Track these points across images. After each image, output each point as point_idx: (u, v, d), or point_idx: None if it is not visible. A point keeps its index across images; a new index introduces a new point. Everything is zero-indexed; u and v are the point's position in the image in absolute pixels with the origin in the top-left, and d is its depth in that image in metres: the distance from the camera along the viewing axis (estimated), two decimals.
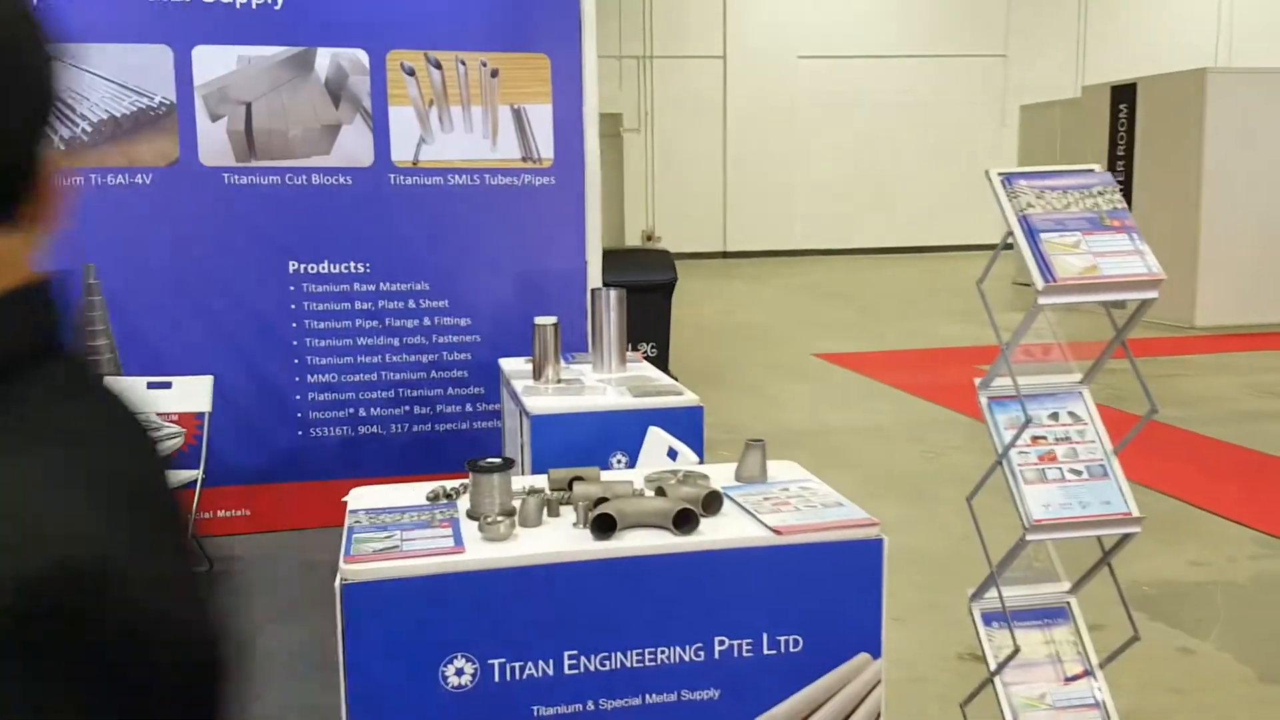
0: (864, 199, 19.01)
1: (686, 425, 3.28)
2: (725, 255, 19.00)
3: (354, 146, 4.63)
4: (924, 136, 18.63)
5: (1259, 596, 3.93)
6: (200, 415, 4.15)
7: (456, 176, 4.72)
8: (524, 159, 4.78)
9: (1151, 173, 10.94)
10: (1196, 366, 8.44)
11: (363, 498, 2.39)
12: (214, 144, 4.51)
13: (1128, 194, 11.14)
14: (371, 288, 4.69)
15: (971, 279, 2.42)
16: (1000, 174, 2.34)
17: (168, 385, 4.18)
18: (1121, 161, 11.27)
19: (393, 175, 4.67)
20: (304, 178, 4.59)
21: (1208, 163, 10.28)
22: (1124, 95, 11.30)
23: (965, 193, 16.18)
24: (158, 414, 3.76)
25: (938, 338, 9.71)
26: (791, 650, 2.15)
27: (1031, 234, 2.21)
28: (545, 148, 4.80)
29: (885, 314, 11.53)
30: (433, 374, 4.80)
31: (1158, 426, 6.40)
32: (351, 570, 1.97)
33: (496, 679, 2.04)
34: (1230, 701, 3.17)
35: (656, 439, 3.06)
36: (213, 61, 4.47)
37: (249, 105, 4.53)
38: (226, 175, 4.53)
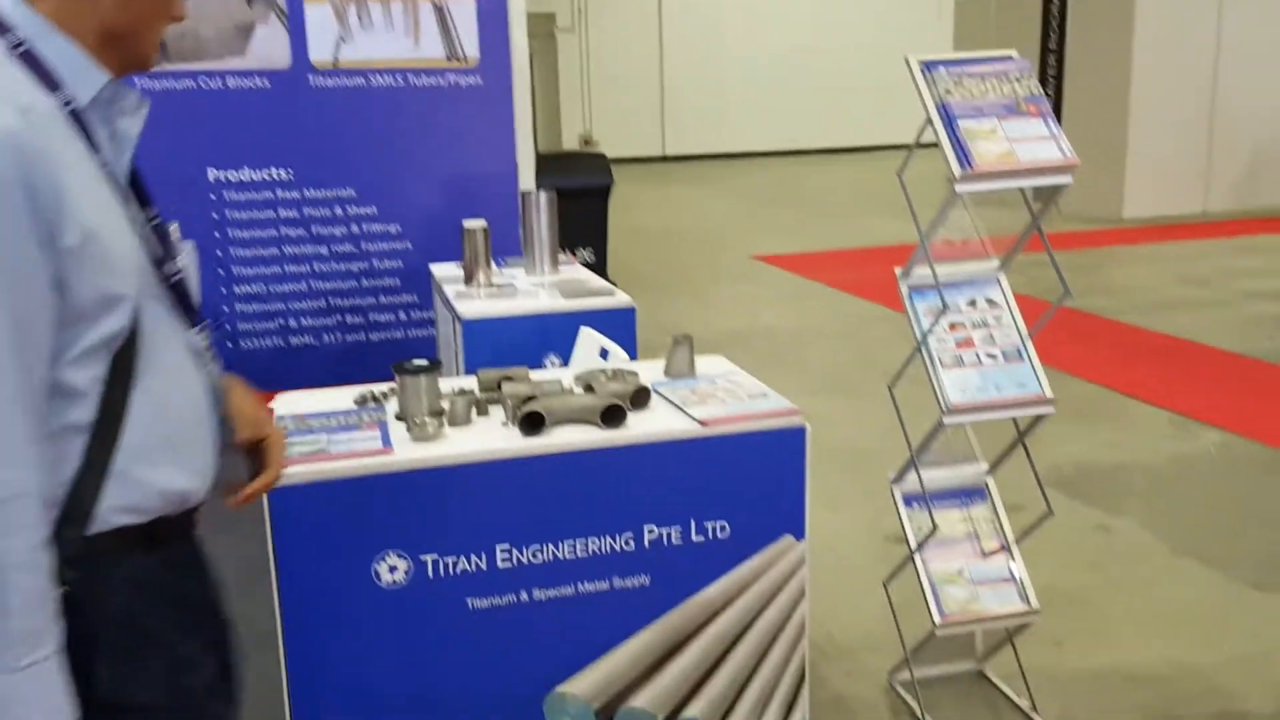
0: (804, 99, 18.86)
1: (619, 326, 3.29)
2: (665, 159, 18.83)
3: (270, 47, 4.47)
4: (861, 33, 18.45)
5: (1173, 476, 4.10)
6: None
7: (378, 77, 4.59)
8: (448, 58, 4.66)
9: (1082, 66, 10.98)
10: (1122, 257, 8.63)
11: (290, 403, 2.38)
12: None
13: (1059, 87, 11.19)
14: (295, 195, 4.58)
15: (913, 178, 2.44)
16: (921, 61, 2.34)
17: None
18: (1054, 54, 11.30)
19: (311, 77, 4.52)
20: (219, 81, 4.42)
21: (1137, 56, 10.34)
22: None
23: (905, 89, 16.09)
24: None
25: (876, 236, 9.78)
26: (718, 536, 2.21)
27: (949, 121, 2.22)
28: (470, 46, 4.67)
29: (825, 215, 11.57)
30: (363, 282, 4.73)
31: (1082, 316, 6.57)
32: None
33: (430, 574, 2.07)
34: (1143, 575, 3.32)
35: (588, 339, 3.07)
36: None
37: None
38: (138, 79, 4.35)
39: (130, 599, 1.18)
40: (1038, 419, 2.42)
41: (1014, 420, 2.50)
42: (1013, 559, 2.52)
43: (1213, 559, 3.39)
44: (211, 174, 4.49)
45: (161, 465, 1.23)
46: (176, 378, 1.27)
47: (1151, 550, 3.47)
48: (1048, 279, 2.56)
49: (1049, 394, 2.37)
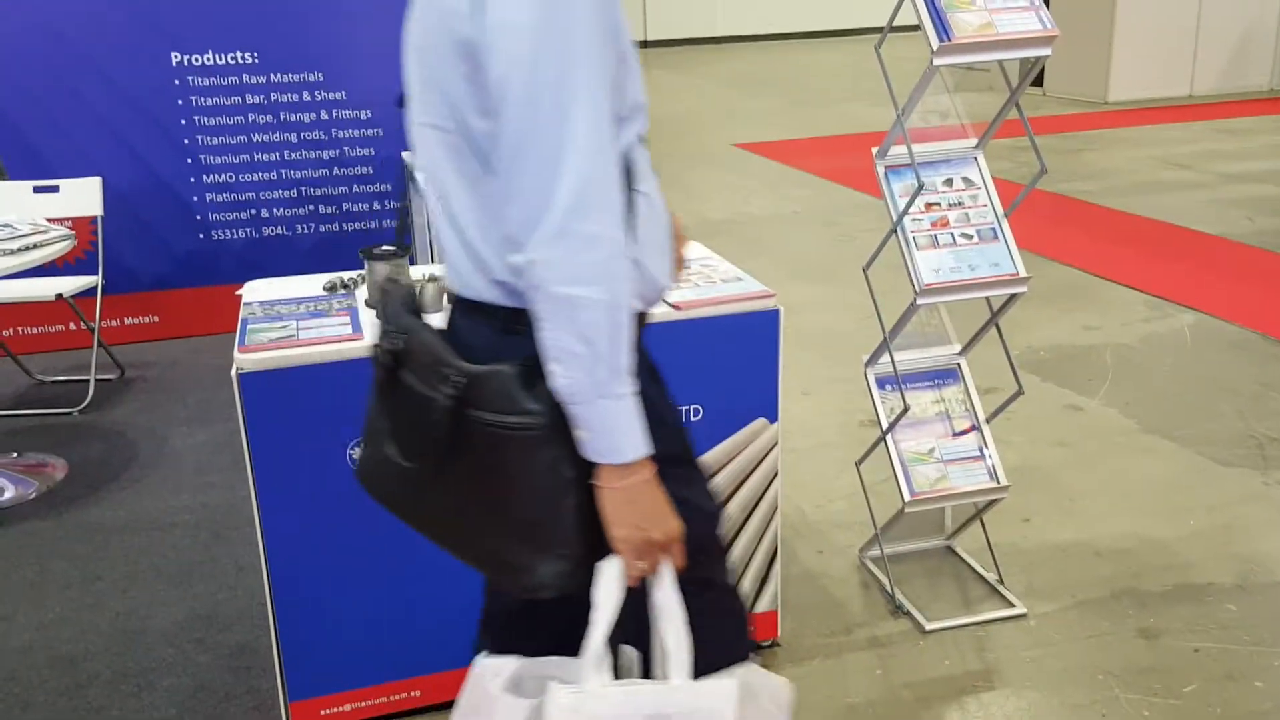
0: None
1: None
2: (645, 45, 18.38)
3: None
4: None
5: (1146, 356, 4.14)
6: (94, 220, 4.00)
7: None
8: None
9: None
10: (1106, 140, 8.54)
11: (258, 290, 2.35)
12: None
13: None
14: (262, 79, 4.46)
15: (897, 60, 2.38)
16: None
17: (55, 189, 4.00)
18: None
19: None
20: None
21: None
22: None
23: None
24: (47, 219, 3.60)
25: (860, 123, 9.63)
26: (692, 419, 2.22)
27: None
28: None
29: (809, 101, 11.37)
30: (335, 171, 4.65)
31: (1062, 199, 6.54)
32: (247, 360, 1.96)
33: None
34: (1112, 450, 3.38)
35: None
36: None
37: None
38: None
39: (640, 374, 1.29)
40: (1011, 299, 2.42)
41: (988, 301, 2.50)
42: (983, 438, 2.55)
43: (1181, 437, 3.44)
44: (175, 58, 4.37)
45: (656, 260, 1.35)
46: (653, 185, 1.37)
47: (1121, 428, 3.52)
48: (1032, 163, 2.53)
49: (1023, 273, 2.36)
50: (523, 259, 1.18)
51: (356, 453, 2.05)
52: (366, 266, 2.21)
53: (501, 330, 1.31)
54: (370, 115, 4.62)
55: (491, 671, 1.42)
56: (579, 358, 1.17)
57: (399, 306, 1.41)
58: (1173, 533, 2.89)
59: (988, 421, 2.57)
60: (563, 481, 1.24)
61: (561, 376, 1.19)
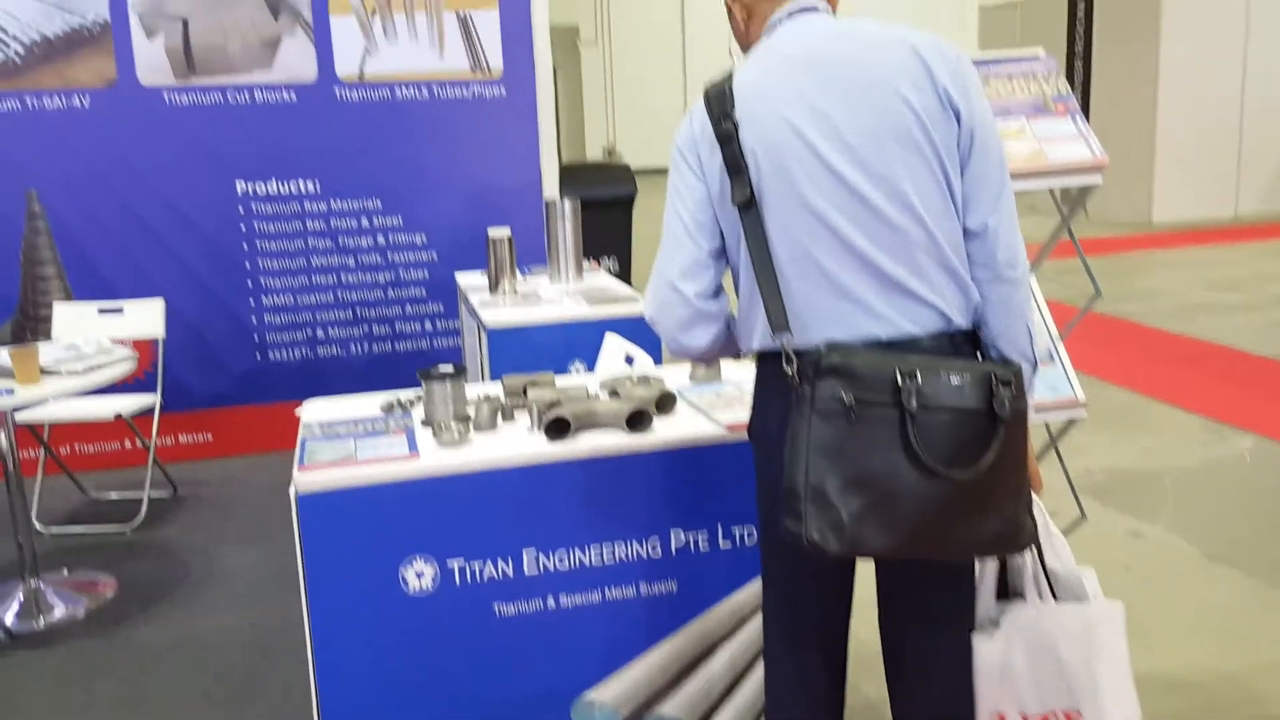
0: None
1: (644, 332, 3.27)
2: None
3: (296, 60, 4.52)
4: None
5: (1207, 480, 4.04)
6: (154, 340, 4.11)
7: (404, 89, 4.63)
8: (472, 69, 4.69)
9: (1109, 71, 10.90)
10: (1153, 262, 8.54)
11: (316, 410, 2.39)
12: (152, 62, 4.38)
13: (1086, 93, 11.11)
14: (323, 206, 4.62)
15: None
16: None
17: (119, 310, 4.12)
18: (1080, 60, 11.22)
19: (338, 89, 4.57)
20: (246, 95, 4.48)
21: (1164, 59, 10.26)
22: None
23: None
24: (110, 340, 3.70)
25: None
26: (746, 542, 2.19)
27: None
28: (494, 58, 4.70)
29: None
30: (390, 292, 4.76)
31: (1113, 321, 6.50)
32: (305, 480, 1.97)
33: (457, 581, 2.07)
34: (1177, 578, 3.27)
35: (613, 345, 3.06)
36: None
37: (185, 21, 4.39)
38: (167, 94, 4.41)
39: None
40: (1070, 423, 2.39)
41: (1046, 425, 2.47)
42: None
43: (1246, 564, 3.33)
44: (240, 186, 4.54)
45: None
46: None
47: (1185, 555, 3.42)
48: (1079, 284, 2.53)
49: (1081, 397, 2.34)
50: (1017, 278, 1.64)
51: (409, 574, 2.04)
52: (424, 387, 2.23)
53: (973, 347, 1.66)
54: (425, 239, 4.75)
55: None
56: (1031, 335, 1.66)
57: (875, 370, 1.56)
58: (1244, 664, 2.77)
59: None
60: (1027, 444, 1.63)
61: (1033, 350, 1.67)
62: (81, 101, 4.32)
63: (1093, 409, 2.40)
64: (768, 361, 1.68)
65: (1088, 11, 11.13)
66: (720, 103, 1.64)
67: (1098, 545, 3.49)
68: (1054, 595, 1.75)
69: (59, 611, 3.26)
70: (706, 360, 1.89)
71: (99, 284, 4.41)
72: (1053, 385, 2.35)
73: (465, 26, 4.65)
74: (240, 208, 4.54)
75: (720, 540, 2.19)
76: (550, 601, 2.12)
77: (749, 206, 1.61)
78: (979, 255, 1.63)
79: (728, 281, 1.74)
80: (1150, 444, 4.45)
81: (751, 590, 2.20)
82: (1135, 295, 7.18)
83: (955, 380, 1.51)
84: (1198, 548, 3.47)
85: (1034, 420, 2.37)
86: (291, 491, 1.97)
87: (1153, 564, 3.37)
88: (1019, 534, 1.60)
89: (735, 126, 1.61)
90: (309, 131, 4.56)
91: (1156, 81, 10.31)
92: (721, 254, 1.71)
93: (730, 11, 1.81)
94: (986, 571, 1.75)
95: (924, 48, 1.62)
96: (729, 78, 1.67)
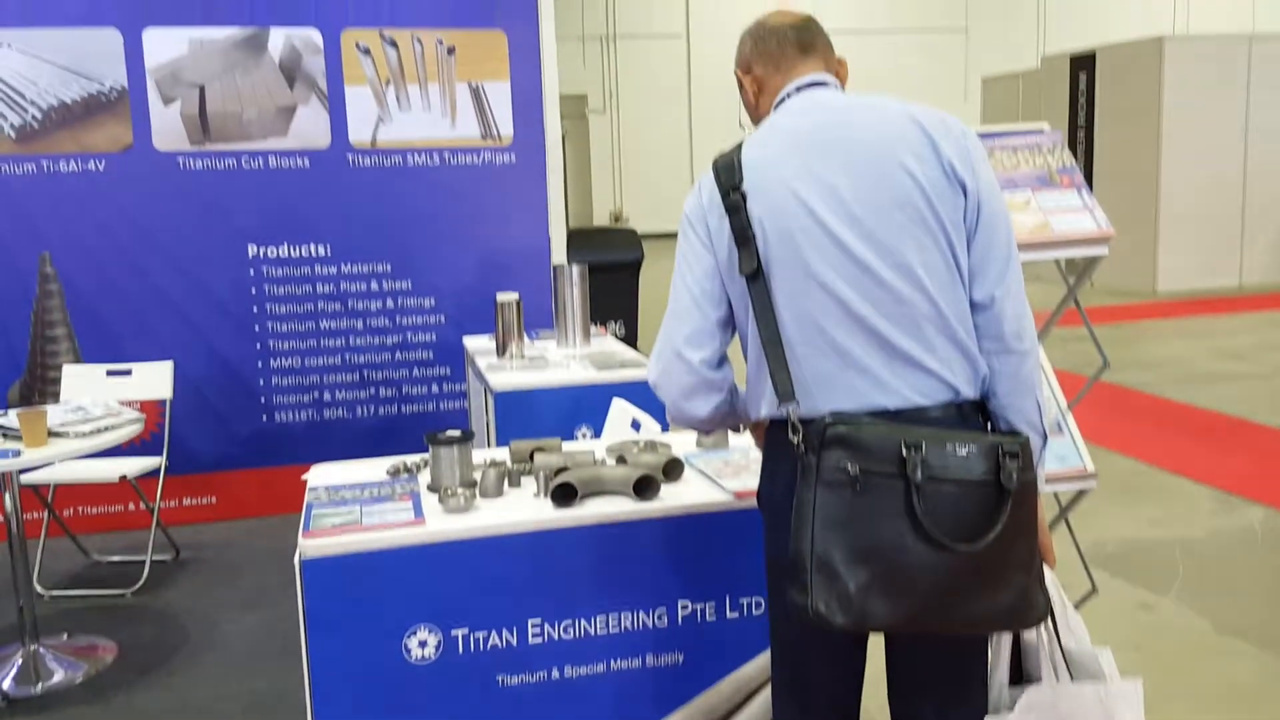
0: None
1: (650, 398, 3.27)
2: None
3: (310, 128, 4.59)
4: None
5: (1216, 553, 4.00)
6: (162, 402, 4.11)
7: (416, 156, 4.69)
8: (483, 137, 4.75)
9: (1111, 142, 11.03)
10: (1159, 331, 8.55)
11: (323, 474, 2.38)
12: (168, 128, 4.45)
13: (1088, 163, 11.23)
14: (333, 269, 4.66)
15: None
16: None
17: (127, 373, 4.13)
18: (1082, 131, 11.36)
19: (351, 156, 4.63)
20: (260, 160, 4.54)
21: (1166, 130, 10.38)
22: (1083, 65, 11.38)
23: None
24: (118, 401, 3.71)
25: None
26: (754, 612, 2.17)
27: None
28: (505, 125, 4.77)
29: None
30: (397, 355, 4.78)
31: (1120, 390, 6.49)
32: (311, 545, 1.96)
33: (460, 650, 2.04)
34: (1189, 652, 3.22)
35: (620, 411, 3.06)
36: (164, 44, 4.41)
37: (202, 88, 4.47)
38: (181, 159, 4.47)
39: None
40: (1080, 494, 2.37)
41: (1055, 495, 2.46)
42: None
43: (1259, 638, 3.28)
44: (251, 249, 4.59)
45: None
46: None
47: (1196, 629, 3.37)
48: (1084, 353, 2.53)
49: (1091, 468, 2.33)
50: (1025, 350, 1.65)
51: (412, 643, 2.02)
52: (431, 452, 2.23)
53: (982, 418, 1.67)
54: (434, 303, 4.78)
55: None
56: (1040, 406, 1.68)
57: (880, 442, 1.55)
58: None
59: None
60: (1037, 517, 1.62)
61: (1041, 422, 1.68)
62: (97, 165, 4.39)
63: (1101, 479, 2.38)
64: (777, 429, 1.67)
65: (1089, 83, 11.30)
66: (729, 173, 1.66)
67: (1108, 619, 3.44)
68: (1070, 674, 1.73)
69: (58, 676, 3.22)
70: (707, 430, 1.88)
71: (109, 345, 4.43)
72: (1061, 455, 2.34)
73: (477, 96, 4.73)
74: (251, 270, 4.58)
75: (728, 610, 2.17)
76: (554, 672, 2.10)
77: (756, 276, 1.62)
78: (986, 327, 1.64)
79: (736, 353, 1.74)
80: (1158, 514, 4.41)
81: (760, 663, 2.17)
82: (1142, 364, 7.18)
83: (962, 451, 1.51)
84: (1209, 621, 3.42)
85: (1044, 491, 2.36)
86: (296, 559, 1.95)
87: (1164, 638, 3.32)
88: (1030, 609, 1.58)
89: (743, 197, 1.63)
90: (321, 196, 4.61)
91: (1158, 152, 10.42)
92: (728, 323, 1.72)
93: (741, 84, 1.84)
94: (1000, 655, 1.72)
95: (928, 122, 1.65)
96: (738, 149, 1.70)
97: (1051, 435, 2.36)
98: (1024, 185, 2.24)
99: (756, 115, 1.84)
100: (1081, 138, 11.33)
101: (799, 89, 1.75)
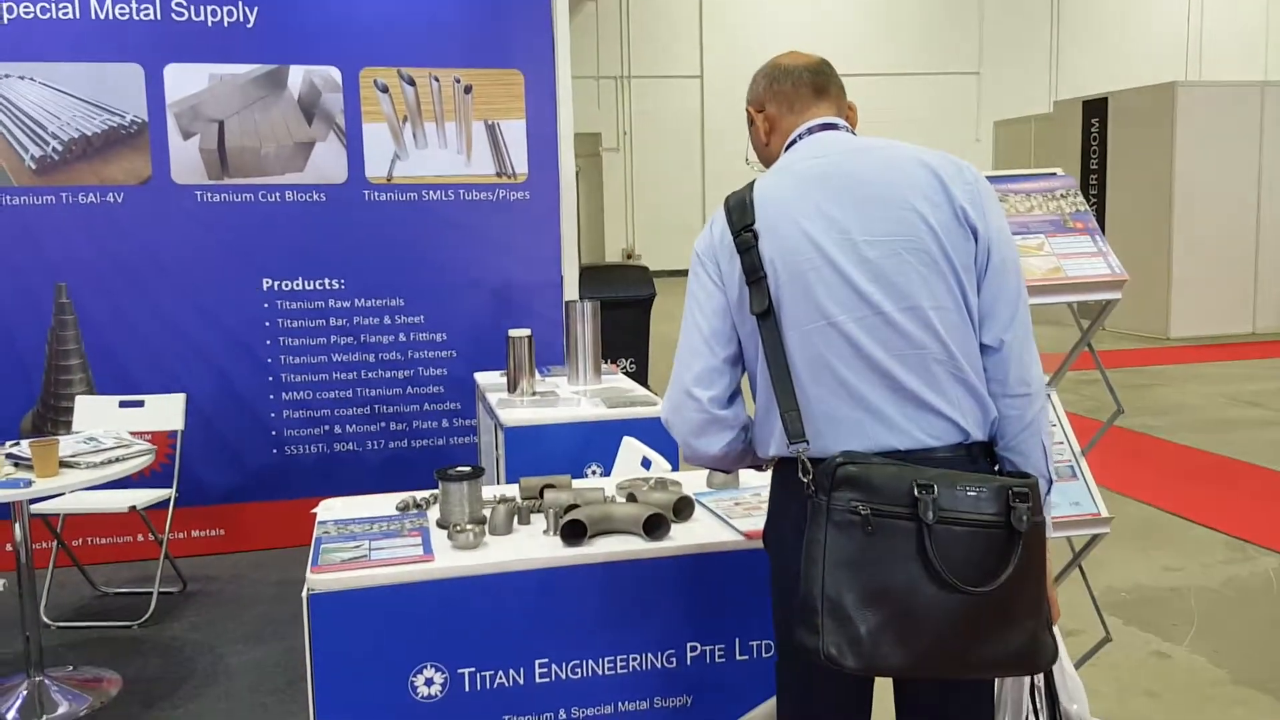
0: None
1: (661, 435, 3.27)
2: None
3: (328, 163, 4.63)
4: None
5: (1231, 600, 3.95)
6: (173, 434, 4.12)
7: (431, 192, 4.72)
8: (498, 174, 4.79)
9: (1124, 186, 11.05)
10: (1171, 376, 8.51)
11: (332, 509, 2.38)
12: (187, 162, 4.49)
13: (1101, 207, 11.25)
14: (346, 304, 4.68)
15: None
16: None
17: (140, 404, 4.14)
18: (1094, 175, 11.39)
19: (367, 192, 4.67)
20: (277, 195, 4.58)
21: (1178, 176, 10.40)
22: (1096, 110, 11.43)
23: None
24: (130, 433, 3.72)
25: None
26: (763, 655, 2.15)
27: None
28: (520, 163, 4.81)
29: None
30: (408, 390, 4.78)
31: (1133, 435, 6.46)
32: (319, 580, 1.95)
33: (467, 688, 2.03)
34: (1204, 702, 3.18)
35: (630, 449, 3.06)
36: (185, 79, 4.47)
37: (221, 123, 4.52)
38: (199, 193, 4.51)
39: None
40: (1093, 539, 2.35)
41: (1069, 540, 2.44)
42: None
43: (1276, 689, 3.23)
44: (266, 283, 4.61)
45: None
46: None
47: (1212, 678, 3.32)
48: (1097, 397, 2.52)
49: (1105, 513, 2.31)
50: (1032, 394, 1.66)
51: (419, 680, 2.00)
52: (441, 487, 2.23)
53: (990, 461, 1.68)
54: (445, 338, 4.80)
55: None
56: (1046, 450, 1.68)
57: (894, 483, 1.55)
58: None
59: (1076, 668, 2.45)
60: (1046, 561, 1.61)
61: (1048, 466, 1.68)
62: (115, 198, 4.43)
63: (1115, 524, 2.36)
64: (785, 468, 1.67)
65: (1102, 127, 11.35)
66: (741, 212, 1.67)
67: (1122, 667, 3.40)
68: None
69: (62, 709, 3.20)
70: (723, 468, 1.88)
71: (122, 376, 4.45)
72: (1075, 500, 2.33)
73: (493, 134, 4.77)
74: (265, 304, 4.60)
75: (737, 653, 2.15)
76: (561, 713, 2.08)
77: (767, 315, 1.62)
78: (995, 370, 1.65)
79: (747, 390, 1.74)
80: (1172, 561, 4.37)
81: (769, 707, 2.14)
82: (1155, 409, 7.14)
83: (972, 493, 1.51)
84: (1225, 670, 3.38)
85: (1056, 536, 2.34)
86: (304, 593, 1.95)
87: (1178, 687, 3.27)
88: (1039, 652, 1.57)
89: (755, 236, 1.64)
90: (337, 231, 4.64)
91: (1171, 197, 10.43)
92: (737, 361, 1.72)
93: (752, 121, 1.85)
94: (1005, 702, 1.72)
95: (940, 166, 1.66)
96: (750, 188, 1.71)
97: (1065, 480, 2.35)
98: (1037, 230, 2.24)
99: (765, 154, 1.85)
100: (1094, 182, 11.35)
101: (810, 130, 1.76)
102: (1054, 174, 2.38)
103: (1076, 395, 6.91)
